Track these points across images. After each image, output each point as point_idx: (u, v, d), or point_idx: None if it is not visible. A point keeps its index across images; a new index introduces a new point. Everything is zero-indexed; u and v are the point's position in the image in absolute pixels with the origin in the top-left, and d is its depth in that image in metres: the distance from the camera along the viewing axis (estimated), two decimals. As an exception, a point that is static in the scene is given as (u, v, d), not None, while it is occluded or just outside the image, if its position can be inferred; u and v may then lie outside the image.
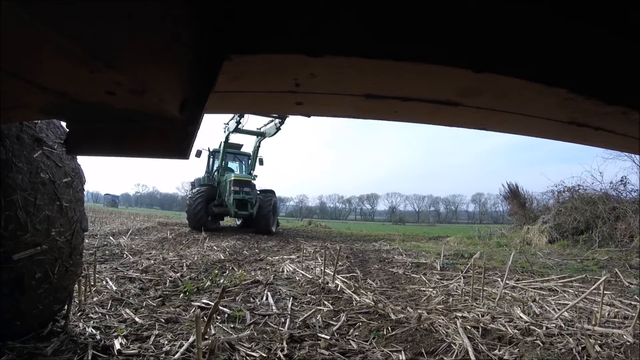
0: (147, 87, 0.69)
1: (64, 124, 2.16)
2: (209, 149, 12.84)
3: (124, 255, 5.13)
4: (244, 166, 13.12)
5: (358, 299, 3.25)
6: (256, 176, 12.63)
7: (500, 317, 2.82)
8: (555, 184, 11.98)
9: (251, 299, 3.19)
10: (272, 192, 11.99)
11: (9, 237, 1.73)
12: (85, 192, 2.33)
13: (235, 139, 12.61)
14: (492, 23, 0.66)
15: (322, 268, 4.30)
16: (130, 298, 2.96)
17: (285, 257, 6.04)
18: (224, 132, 11.78)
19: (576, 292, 3.82)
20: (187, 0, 0.68)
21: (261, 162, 12.81)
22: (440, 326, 2.53)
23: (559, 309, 3.06)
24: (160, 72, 0.70)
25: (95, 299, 2.81)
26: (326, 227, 19.14)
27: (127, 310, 2.60)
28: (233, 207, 10.52)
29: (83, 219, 2.22)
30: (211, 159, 12.88)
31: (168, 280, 3.69)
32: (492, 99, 0.81)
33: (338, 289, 3.63)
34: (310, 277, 4.27)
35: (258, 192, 11.57)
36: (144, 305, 2.81)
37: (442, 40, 0.67)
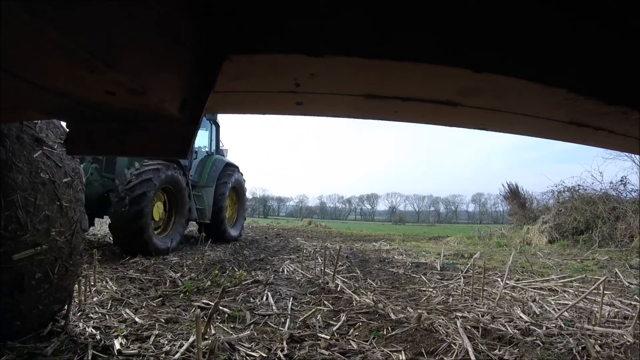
0: (147, 87, 0.69)
1: (64, 124, 2.17)
2: None
3: (124, 255, 5.13)
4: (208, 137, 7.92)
5: (358, 299, 3.25)
6: (221, 150, 8.18)
7: (500, 317, 2.82)
8: (555, 184, 11.98)
9: (251, 298, 3.19)
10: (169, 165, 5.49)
11: (9, 237, 1.73)
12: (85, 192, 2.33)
13: None
14: (492, 23, 0.66)
15: (322, 268, 4.30)
16: (130, 298, 2.96)
17: (285, 257, 6.04)
18: None
19: (576, 292, 3.82)
20: (187, 0, 0.68)
21: (213, 124, 7.95)
22: (440, 326, 2.53)
23: (559, 309, 3.06)
24: (160, 72, 0.70)
25: (95, 299, 2.81)
26: (326, 227, 19.11)
27: (127, 310, 2.59)
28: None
29: (83, 219, 2.22)
30: None
31: (168, 280, 3.69)
32: (492, 99, 0.81)
33: (338, 289, 3.63)
34: (311, 277, 4.27)
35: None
36: (144, 305, 2.81)
37: (442, 40, 0.67)
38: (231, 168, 7.93)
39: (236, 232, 8.17)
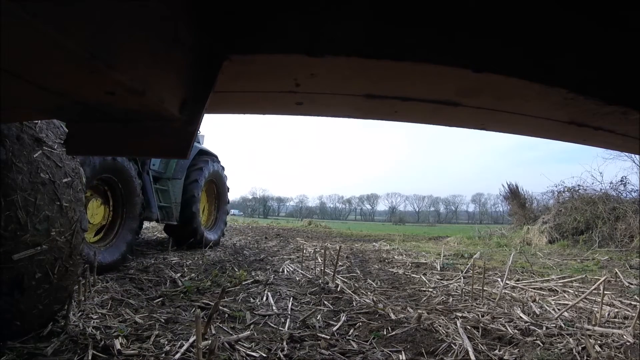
0: (147, 87, 0.69)
1: (64, 124, 2.17)
2: None
3: (124, 255, 5.11)
4: None
5: (358, 299, 3.25)
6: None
7: (500, 317, 2.82)
8: (555, 184, 12.01)
9: (251, 299, 3.18)
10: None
11: (9, 237, 1.73)
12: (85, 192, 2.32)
13: None
14: (492, 23, 0.66)
15: (322, 268, 4.30)
16: (130, 298, 2.96)
17: (285, 257, 6.04)
18: None
19: (576, 292, 3.82)
20: (187, 0, 0.68)
21: None
22: (440, 326, 2.53)
23: (559, 309, 3.06)
24: (160, 72, 0.70)
25: (95, 299, 2.80)
26: (326, 227, 19.11)
27: (127, 310, 2.59)
28: None
29: (83, 219, 2.21)
30: None
31: (168, 280, 3.69)
32: (492, 99, 0.81)
33: (338, 289, 3.63)
34: (311, 277, 4.27)
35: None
36: (144, 305, 2.81)
37: (442, 40, 0.67)
38: (206, 157, 6.57)
39: (214, 235, 6.82)
